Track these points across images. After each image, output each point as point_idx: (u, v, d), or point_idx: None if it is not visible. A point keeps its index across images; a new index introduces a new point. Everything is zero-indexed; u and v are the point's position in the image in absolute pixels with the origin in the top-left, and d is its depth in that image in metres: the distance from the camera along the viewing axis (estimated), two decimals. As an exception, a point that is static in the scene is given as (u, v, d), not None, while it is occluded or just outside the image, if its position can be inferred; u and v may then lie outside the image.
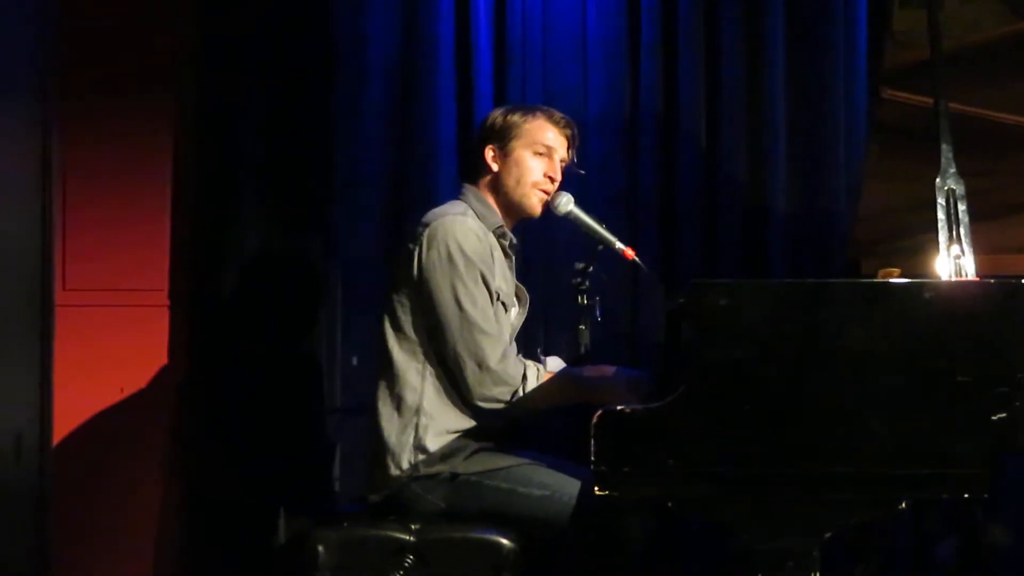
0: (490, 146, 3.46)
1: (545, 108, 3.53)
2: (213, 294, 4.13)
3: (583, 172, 3.62)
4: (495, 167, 3.46)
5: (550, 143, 3.44)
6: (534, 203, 3.45)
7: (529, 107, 3.54)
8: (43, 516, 3.43)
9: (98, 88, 4.07)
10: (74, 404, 3.93)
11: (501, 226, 3.44)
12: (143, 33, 4.10)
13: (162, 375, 4.08)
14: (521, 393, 3.25)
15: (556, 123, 3.47)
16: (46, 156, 3.50)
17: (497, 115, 3.50)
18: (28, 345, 3.39)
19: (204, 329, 4.13)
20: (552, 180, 3.45)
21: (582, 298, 3.46)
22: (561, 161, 3.47)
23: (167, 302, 4.11)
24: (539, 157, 3.44)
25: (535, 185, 3.44)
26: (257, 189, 4.16)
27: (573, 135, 3.51)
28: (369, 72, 4.24)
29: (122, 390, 4.06)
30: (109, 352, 4.05)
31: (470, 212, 3.40)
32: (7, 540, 3.26)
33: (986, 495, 2.72)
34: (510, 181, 3.44)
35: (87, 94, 4.03)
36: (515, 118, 3.45)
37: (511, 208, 3.47)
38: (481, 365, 3.24)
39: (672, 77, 4.25)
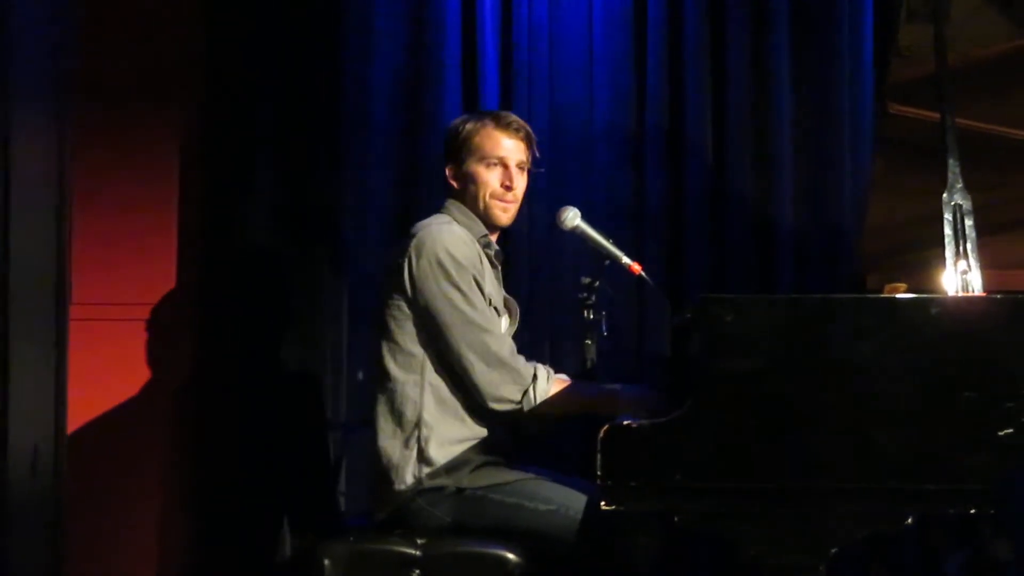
0: (448, 166, 3.45)
1: (495, 113, 3.48)
2: (219, 309, 4.13)
3: (542, 170, 3.59)
4: (456, 184, 3.44)
5: (501, 153, 3.39)
6: (497, 214, 3.42)
7: (479, 115, 3.49)
8: (57, 530, 3.42)
9: (104, 102, 4.06)
10: (79, 418, 3.92)
11: (486, 235, 3.42)
12: (150, 48, 4.09)
13: (167, 390, 4.07)
14: (531, 393, 3.23)
15: (505, 128, 3.40)
16: (62, 169, 3.49)
17: (450, 130, 3.47)
18: (43, 360, 3.38)
19: (210, 343, 4.14)
20: (509, 188, 3.41)
21: (588, 312, 3.47)
22: (519, 165, 3.42)
23: (173, 316, 4.11)
24: (493, 168, 3.40)
25: (493, 196, 3.40)
26: (264, 205, 4.17)
27: (528, 135, 3.45)
28: (376, 87, 4.25)
29: (126, 405, 4.05)
30: (113, 366, 4.03)
31: (455, 223, 3.38)
32: (25, 554, 3.26)
33: (993, 510, 2.72)
34: (469, 197, 3.41)
35: (93, 108, 4.02)
36: (466, 130, 3.41)
37: (482, 221, 3.44)
38: (490, 362, 3.22)
39: (679, 91, 4.26)
